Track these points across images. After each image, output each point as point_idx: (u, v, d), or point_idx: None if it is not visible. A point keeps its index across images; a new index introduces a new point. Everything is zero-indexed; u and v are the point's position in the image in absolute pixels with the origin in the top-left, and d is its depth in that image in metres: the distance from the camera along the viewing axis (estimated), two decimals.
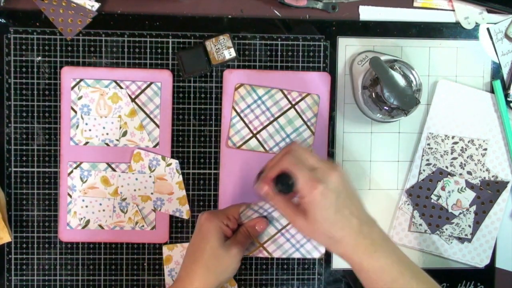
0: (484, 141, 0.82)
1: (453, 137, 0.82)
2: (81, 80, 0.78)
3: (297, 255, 0.74)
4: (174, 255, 0.81)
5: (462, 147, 0.82)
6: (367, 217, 0.64)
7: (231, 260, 0.70)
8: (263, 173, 0.67)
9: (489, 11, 0.82)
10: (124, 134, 0.79)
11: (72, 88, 0.79)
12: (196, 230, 0.72)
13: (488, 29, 0.82)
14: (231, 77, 0.80)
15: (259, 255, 0.75)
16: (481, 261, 0.84)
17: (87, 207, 0.79)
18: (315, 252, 0.75)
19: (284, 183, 0.63)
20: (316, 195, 0.60)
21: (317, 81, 0.81)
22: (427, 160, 0.82)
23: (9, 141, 0.79)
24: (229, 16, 0.80)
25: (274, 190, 0.64)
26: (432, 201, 0.82)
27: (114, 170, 0.79)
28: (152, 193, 0.80)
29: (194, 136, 0.80)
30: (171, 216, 0.81)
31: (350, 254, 0.63)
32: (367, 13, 0.81)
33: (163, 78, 0.79)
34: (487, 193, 0.82)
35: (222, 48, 0.79)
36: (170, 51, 0.79)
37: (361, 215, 0.63)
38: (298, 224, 0.64)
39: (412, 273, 0.63)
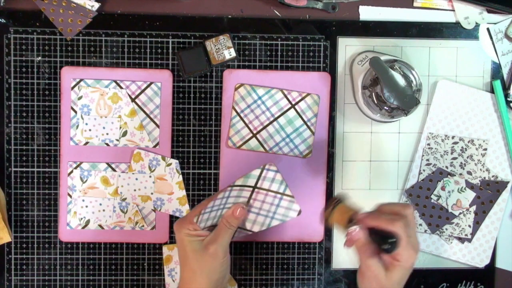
0: (484, 141, 0.82)
1: (453, 137, 0.82)
2: (81, 80, 0.79)
3: (275, 222, 0.71)
4: (174, 255, 0.81)
5: (462, 147, 0.82)
6: None
7: (212, 259, 0.68)
8: (340, 203, 0.69)
9: (489, 11, 0.82)
10: (124, 134, 0.79)
11: (72, 88, 0.79)
12: (176, 240, 0.72)
13: (488, 29, 0.82)
14: (231, 77, 0.80)
15: (242, 235, 0.73)
16: (481, 261, 0.84)
17: (87, 207, 0.79)
18: (291, 212, 0.71)
19: (386, 242, 0.65)
20: (411, 263, 0.65)
21: (317, 81, 0.81)
22: (427, 160, 0.82)
23: (9, 141, 0.79)
24: (229, 16, 0.80)
25: (370, 240, 0.66)
26: (432, 201, 0.82)
27: (114, 170, 0.79)
28: (152, 193, 0.80)
29: (194, 136, 0.80)
30: (171, 216, 0.81)
31: None
32: (367, 13, 0.81)
33: (163, 78, 0.79)
34: (487, 193, 0.82)
35: (222, 48, 0.79)
36: (170, 51, 0.79)
37: None
38: (374, 276, 0.66)
39: None
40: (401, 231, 0.64)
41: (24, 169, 0.79)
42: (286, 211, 0.71)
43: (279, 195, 0.70)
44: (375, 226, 0.65)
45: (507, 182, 0.83)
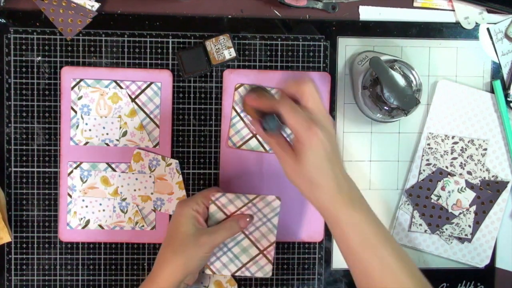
0: (484, 141, 0.82)
1: (453, 137, 0.82)
2: (81, 80, 0.79)
3: (247, 274, 0.74)
4: None
5: (462, 147, 0.82)
6: (348, 177, 0.66)
7: (198, 248, 0.68)
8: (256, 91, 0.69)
9: (489, 11, 0.82)
10: (124, 134, 0.79)
11: (72, 88, 0.79)
12: (171, 218, 0.72)
13: (488, 29, 0.82)
14: (231, 77, 0.80)
15: (211, 274, 0.74)
16: (481, 261, 0.84)
17: (87, 207, 0.79)
18: (264, 270, 0.74)
19: (271, 121, 0.65)
20: (313, 140, 0.61)
21: (317, 81, 0.81)
22: (427, 160, 0.82)
23: (9, 141, 0.79)
24: (229, 16, 0.80)
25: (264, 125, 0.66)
26: (432, 201, 0.82)
27: (114, 170, 0.79)
28: (152, 193, 0.80)
29: (194, 136, 0.80)
30: (171, 216, 0.81)
31: (327, 204, 0.63)
32: (367, 13, 0.81)
33: (163, 78, 0.79)
34: (487, 193, 0.82)
35: (222, 48, 0.79)
36: (170, 51, 0.79)
37: (344, 173, 0.65)
38: (285, 163, 0.64)
39: (385, 237, 0.64)
40: (286, 109, 0.62)
41: (24, 169, 0.79)
42: (260, 268, 0.74)
43: (265, 220, 0.73)
44: (257, 107, 0.65)
45: (507, 182, 0.83)
